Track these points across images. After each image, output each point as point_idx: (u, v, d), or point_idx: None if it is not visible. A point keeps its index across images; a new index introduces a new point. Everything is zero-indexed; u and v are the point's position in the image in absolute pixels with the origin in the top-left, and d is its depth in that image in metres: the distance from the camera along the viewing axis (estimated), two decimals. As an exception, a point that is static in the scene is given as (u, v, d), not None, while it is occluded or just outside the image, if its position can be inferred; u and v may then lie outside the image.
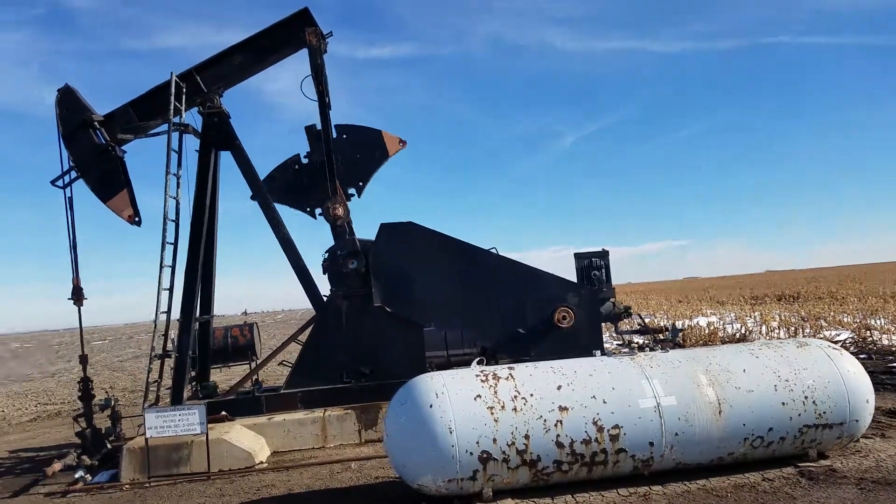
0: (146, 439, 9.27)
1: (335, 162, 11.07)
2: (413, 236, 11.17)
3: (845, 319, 24.07)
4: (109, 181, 10.92)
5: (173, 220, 10.41)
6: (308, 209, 11.91)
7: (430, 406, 7.07)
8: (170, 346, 10.77)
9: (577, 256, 11.78)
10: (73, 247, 10.66)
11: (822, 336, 19.49)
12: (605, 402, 7.32)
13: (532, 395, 7.26)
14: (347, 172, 11.68)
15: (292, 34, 11.10)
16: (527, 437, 7.07)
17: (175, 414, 9.29)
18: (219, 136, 11.06)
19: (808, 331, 21.96)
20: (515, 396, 7.23)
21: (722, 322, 25.79)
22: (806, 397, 7.68)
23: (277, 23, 11.20)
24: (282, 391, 11.09)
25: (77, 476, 9.40)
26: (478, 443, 6.96)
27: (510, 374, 7.50)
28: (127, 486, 9.24)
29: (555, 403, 7.23)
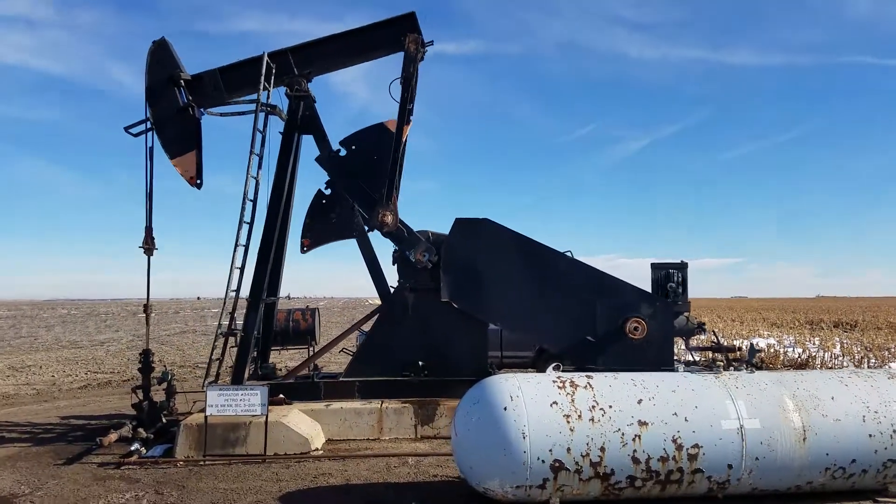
0: (206, 417, 9.20)
1: (395, 174, 10.79)
2: (487, 233, 10.91)
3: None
4: (181, 139, 10.90)
5: (251, 200, 10.36)
6: (355, 233, 11.58)
7: (505, 408, 6.82)
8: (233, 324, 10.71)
9: (654, 267, 11.41)
10: (149, 195, 10.67)
11: (888, 367, 18.67)
12: (686, 420, 6.98)
13: (611, 406, 6.95)
14: (376, 176, 11.22)
15: (393, 36, 10.87)
16: (602, 449, 6.77)
17: (237, 393, 9.22)
18: (304, 119, 10.96)
19: (872, 361, 21.12)
20: (594, 406, 6.93)
21: (781, 345, 24.95)
22: (895, 430, 7.25)
23: (381, 21, 11.02)
24: (341, 379, 10.96)
25: (133, 448, 9.36)
26: (551, 451, 6.69)
27: (589, 382, 7.19)
28: (181, 462, 9.20)
29: (634, 417, 6.91)
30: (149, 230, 10.70)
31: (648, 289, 11.30)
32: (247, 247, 10.46)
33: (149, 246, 10.71)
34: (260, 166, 10.61)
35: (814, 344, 26.01)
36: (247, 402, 9.21)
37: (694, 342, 12.25)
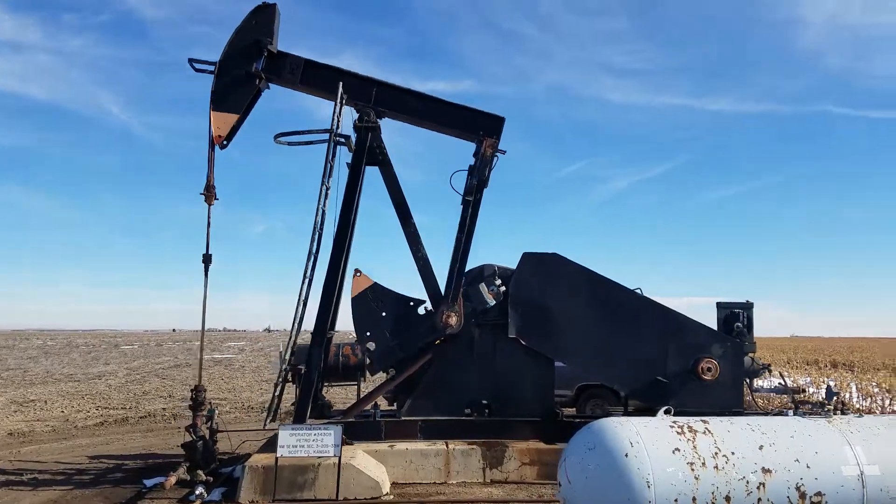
0: (276, 458, 8.77)
1: (460, 274, 10.74)
2: (556, 267, 10.72)
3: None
4: (233, 98, 10.49)
5: (320, 232, 10.09)
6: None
7: (626, 455, 6.49)
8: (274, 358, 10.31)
9: (720, 306, 11.21)
10: (211, 143, 10.34)
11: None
12: (808, 467, 6.70)
13: (733, 453, 6.66)
14: None
15: (472, 125, 10.92)
16: (727, 498, 6.46)
17: (310, 433, 8.83)
18: (371, 151, 10.72)
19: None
20: (716, 454, 6.63)
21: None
22: None
23: (470, 107, 10.98)
24: (402, 417, 10.57)
25: (198, 492, 8.87)
26: (676, 500, 6.36)
27: (706, 428, 6.91)
28: (248, 506, 8.72)
29: (757, 465, 6.63)
30: (210, 181, 10.31)
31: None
32: (310, 279, 10.16)
33: (209, 195, 10.27)
34: (326, 197, 10.33)
35: (828, 384, 25.82)
36: (320, 442, 8.81)
37: (760, 383, 12.02)
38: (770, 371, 11.29)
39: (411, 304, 10.79)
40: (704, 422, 7.08)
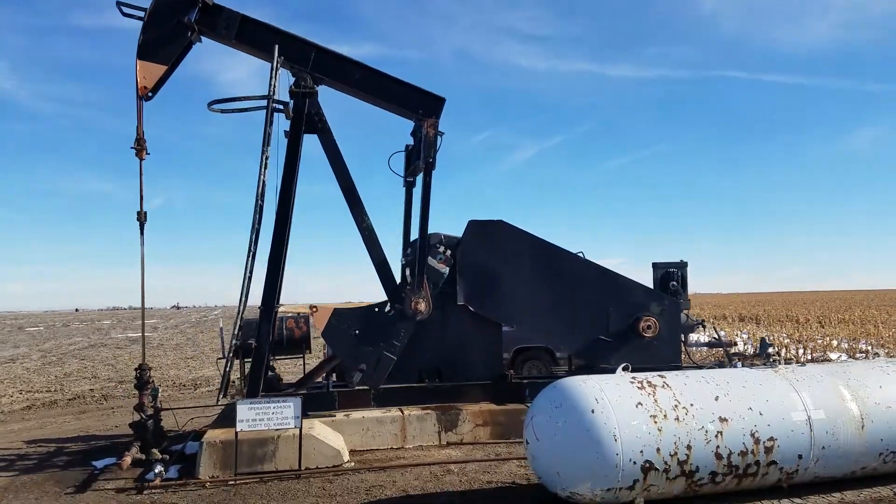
0: (236, 432, 8.64)
1: (423, 260, 10.63)
2: (502, 234, 10.87)
3: (833, 343, 24.73)
4: (161, 48, 9.95)
5: (261, 205, 9.81)
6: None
7: (593, 411, 6.76)
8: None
9: (655, 266, 11.65)
10: (138, 94, 9.83)
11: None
12: (761, 414, 7.17)
13: (692, 404, 7.04)
14: None
15: (412, 103, 10.71)
16: (689, 447, 6.84)
17: (269, 406, 8.72)
18: (310, 118, 10.43)
19: (813, 353, 22.40)
20: (676, 405, 6.99)
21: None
22: (935, 414, 7.73)
23: (411, 84, 10.73)
24: (355, 387, 10.57)
25: (157, 470, 8.64)
26: (641, 451, 6.69)
27: (665, 382, 7.26)
28: (208, 483, 8.59)
29: (715, 414, 7.03)
30: (140, 134, 9.79)
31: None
32: (253, 253, 9.92)
33: (140, 149, 9.76)
34: (265, 167, 10.04)
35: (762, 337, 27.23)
36: (280, 415, 8.72)
37: (693, 338, 12.63)
38: (704, 326, 11.86)
39: (376, 309, 10.64)
40: (662, 376, 7.42)
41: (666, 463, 6.76)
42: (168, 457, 9.40)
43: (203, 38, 10.32)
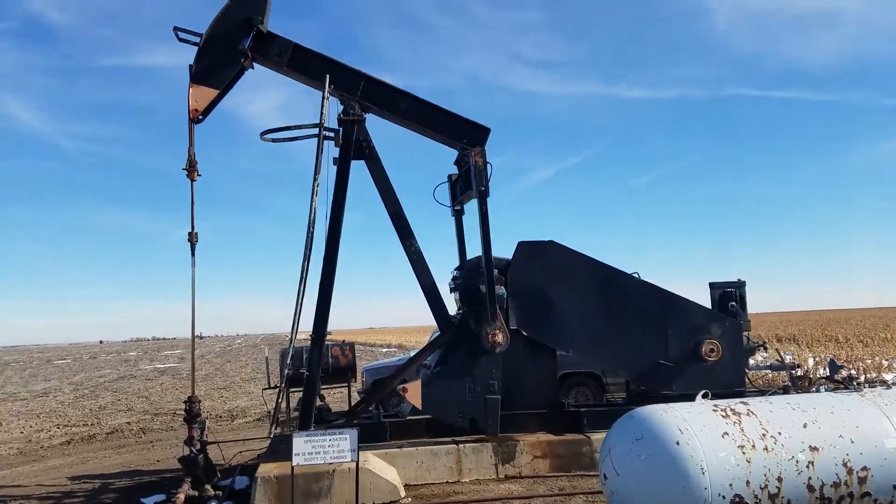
0: (292, 467, 8.33)
1: (492, 291, 10.22)
2: (553, 255, 10.57)
3: (884, 363, 23.97)
4: (215, 73, 9.96)
5: (313, 231, 9.63)
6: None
7: (678, 443, 6.35)
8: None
9: (713, 286, 11.25)
10: (189, 117, 9.82)
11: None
12: (852, 442, 6.70)
13: (780, 433, 6.60)
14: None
15: (458, 132, 10.62)
16: (779, 479, 6.40)
17: (325, 439, 8.38)
18: (358, 144, 10.29)
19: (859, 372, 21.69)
20: (764, 435, 6.56)
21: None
22: None
23: (459, 115, 10.63)
24: (408, 417, 10.24)
25: (213, 508, 8.35)
26: (731, 485, 6.26)
27: (749, 409, 6.84)
28: (264, 519, 8.27)
29: (804, 443, 6.59)
30: (191, 155, 9.78)
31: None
32: (305, 280, 9.71)
33: (192, 170, 9.73)
34: (316, 193, 9.86)
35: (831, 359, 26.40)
36: (336, 447, 8.37)
37: (753, 361, 12.17)
38: (766, 348, 11.43)
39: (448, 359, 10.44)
40: (745, 403, 7.01)
41: (756, 497, 6.33)
42: (221, 493, 9.11)
43: (255, 64, 10.28)
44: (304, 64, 10.30)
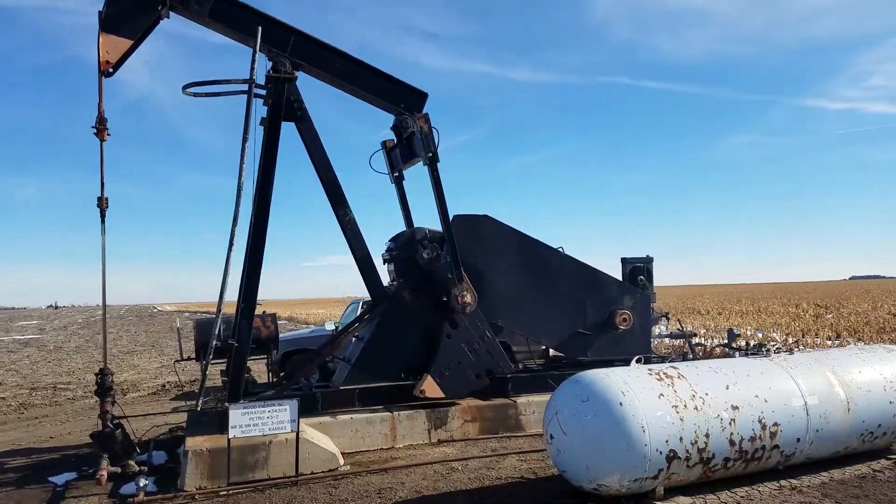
0: (228, 440, 8.21)
1: (455, 253, 10.40)
2: (486, 229, 10.88)
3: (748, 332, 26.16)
4: (127, 22, 9.30)
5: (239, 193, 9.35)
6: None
7: (621, 404, 6.87)
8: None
9: (624, 261, 11.97)
10: (100, 70, 9.18)
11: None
12: (766, 401, 7.51)
13: (707, 394, 7.28)
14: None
15: (396, 98, 10.61)
16: (707, 435, 7.08)
17: (264, 410, 8.32)
18: (289, 104, 10.00)
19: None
20: (694, 395, 7.21)
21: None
22: (907, 396, 8.33)
23: (397, 79, 10.56)
24: (340, 387, 10.30)
25: (143, 483, 8.01)
26: (667, 441, 6.87)
27: (679, 373, 7.47)
28: (198, 494, 8.14)
29: (727, 402, 7.31)
30: (101, 112, 9.14)
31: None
32: (230, 247, 9.48)
33: (101, 129, 9.12)
34: (244, 155, 9.56)
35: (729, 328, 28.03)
36: (275, 418, 8.35)
37: (656, 330, 13.06)
38: (668, 318, 12.29)
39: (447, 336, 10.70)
40: (675, 367, 7.65)
41: (687, 451, 6.97)
42: (146, 468, 8.81)
43: (172, 13, 9.71)
44: (228, 15, 9.74)
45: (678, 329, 13.24)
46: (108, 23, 9.22)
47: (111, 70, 9.37)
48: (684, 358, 11.53)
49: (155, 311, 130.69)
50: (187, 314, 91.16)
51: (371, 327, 10.83)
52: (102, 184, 9.24)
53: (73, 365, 25.87)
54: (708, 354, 12.05)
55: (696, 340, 14.95)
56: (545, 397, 10.59)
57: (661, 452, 6.82)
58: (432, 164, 10.29)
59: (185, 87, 9.82)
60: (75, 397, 17.46)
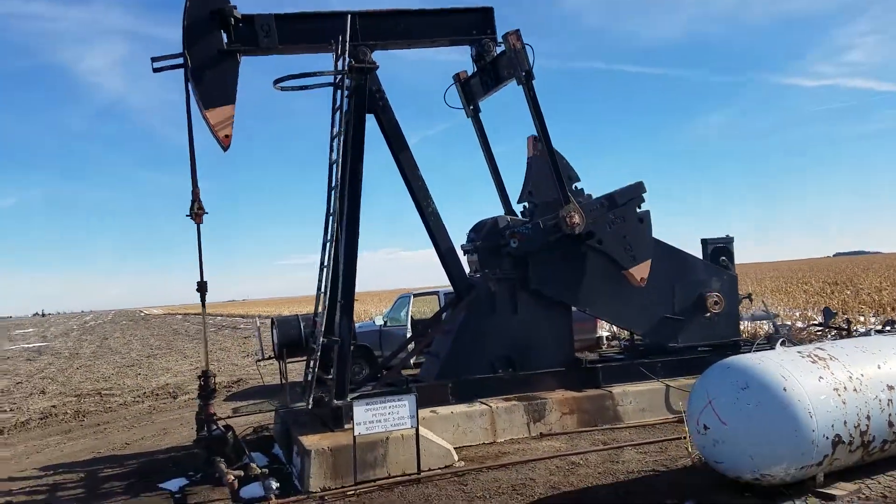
0: (354, 437, 7.89)
1: (560, 175, 10.04)
2: None
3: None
4: (220, 87, 9.02)
5: (335, 189, 9.06)
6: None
7: (785, 389, 6.60)
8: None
9: (706, 242, 11.71)
10: (193, 153, 8.95)
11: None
12: (917, 381, 7.24)
13: (863, 374, 7.04)
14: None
15: (466, 28, 10.17)
16: (868, 417, 6.85)
17: (385, 406, 8.00)
18: (371, 96, 9.66)
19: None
20: (850, 377, 6.97)
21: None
22: None
23: (457, 7, 10.13)
24: (433, 382, 10.00)
25: (275, 486, 7.67)
26: (832, 426, 6.63)
27: (829, 354, 7.21)
28: (327, 495, 7.83)
29: (882, 382, 7.06)
30: (196, 196, 8.94)
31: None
32: (330, 242, 9.21)
33: (198, 211, 8.92)
34: (338, 149, 9.27)
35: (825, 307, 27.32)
36: (395, 414, 8.04)
37: (743, 311, 12.84)
38: (751, 300, 12.07)
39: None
40: (822, 349, 7.38)
41: (851, 435, 6.74)
42: (266, 470, 8.48)
43: (246, 55, 9.40)
44: (295, 32, 9.47)
45: (762, 310, 13.06)
46: (207, 100, 8.94)
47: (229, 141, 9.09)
48: (769, 340, 11.28)
49: (142, 314, 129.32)
50: (180, 316, 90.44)
51: (459, 320, 10.51)
52: (201, 268, 9.20)
53: (104, 371, 25.32)
54: (798, 337, 11.78)
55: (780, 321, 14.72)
56: (639, 387, 10.44)
57: (827, 438, 6.57)
58: (528, 81, 9.82)
59: (275, 82, 9.42)
60: (126, 402, 17.00)
